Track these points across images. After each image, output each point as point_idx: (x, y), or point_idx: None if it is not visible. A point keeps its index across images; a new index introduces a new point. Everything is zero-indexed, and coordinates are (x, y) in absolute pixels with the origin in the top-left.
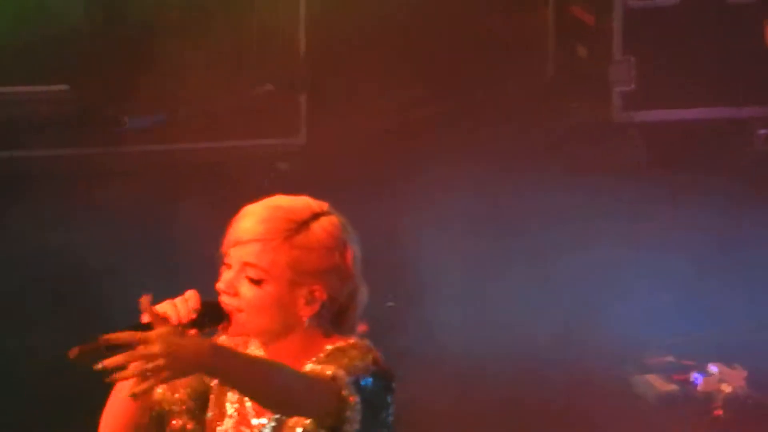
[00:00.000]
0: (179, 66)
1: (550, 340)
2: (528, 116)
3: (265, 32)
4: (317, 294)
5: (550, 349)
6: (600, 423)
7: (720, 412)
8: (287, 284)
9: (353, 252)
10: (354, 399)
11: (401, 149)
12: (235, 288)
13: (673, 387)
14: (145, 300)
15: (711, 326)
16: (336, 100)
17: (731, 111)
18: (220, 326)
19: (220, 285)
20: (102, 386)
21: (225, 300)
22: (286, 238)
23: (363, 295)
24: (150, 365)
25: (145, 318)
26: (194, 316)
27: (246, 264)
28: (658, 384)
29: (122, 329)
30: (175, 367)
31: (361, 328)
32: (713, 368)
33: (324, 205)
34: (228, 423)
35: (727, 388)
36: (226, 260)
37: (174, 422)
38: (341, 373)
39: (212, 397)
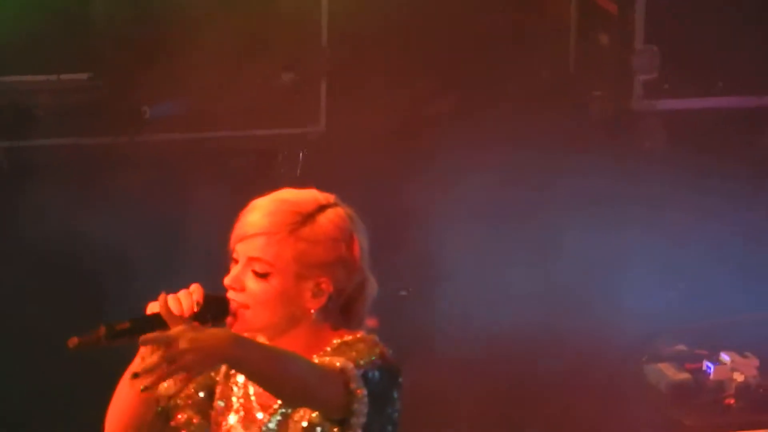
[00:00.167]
0: (200, 55)
1: (564, 327)
2: (550, 105)
3: (286, 21)
4: (324, 286)
5: (563, 336)
6: (612, 411)
7: (732, 400)
8: (293, 277)
9: (360, 243)
10: (362, 392)
11: (421, 139)
12: (242, 283)
13: (685, 376)
14: (163, 297)
15: (724, 315)
16: (357, 89)
17: (754, 100)
18: (224, 320)
19: (227, 280)
20: (106, 380)
21: (232, 296)
22: (291, 231)
23: (371, 287)
24: (177, 364)
25: (150, 309)
26: (196, 309)
27: (252, 258)
28: (671, 373)
29: (127, 320)
30: (201, 361)
31: (371, 322)
32: (725, 357)
33: (331, 197)
34: (233, 417)
35: (739, 377)
36: (234, 255)
37: (179, 416)
38: (350, 365)
39: (218, 390)
